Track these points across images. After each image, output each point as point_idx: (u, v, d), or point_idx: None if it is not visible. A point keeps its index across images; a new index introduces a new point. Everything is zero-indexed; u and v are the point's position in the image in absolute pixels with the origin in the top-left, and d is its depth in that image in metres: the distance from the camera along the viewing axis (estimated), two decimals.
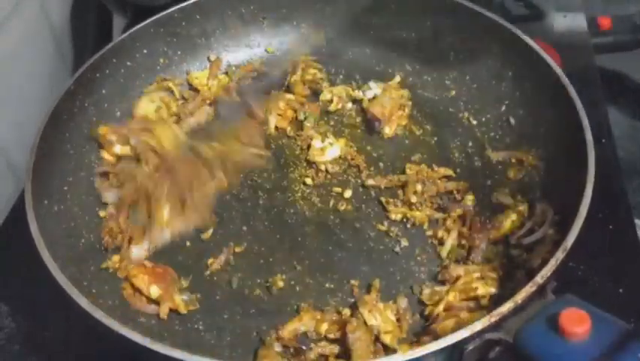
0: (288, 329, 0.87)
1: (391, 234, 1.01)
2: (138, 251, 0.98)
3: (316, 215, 1.05)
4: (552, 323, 0.70)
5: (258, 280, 0.97)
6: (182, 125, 1.16)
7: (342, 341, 0.86)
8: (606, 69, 1.36)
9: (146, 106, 1.15)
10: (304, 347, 0.86)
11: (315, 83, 1.21)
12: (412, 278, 0.96)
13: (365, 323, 0.87)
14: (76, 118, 1.09)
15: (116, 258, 0.97)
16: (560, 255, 0.79)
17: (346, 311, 0.90)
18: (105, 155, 1.10)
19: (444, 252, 0.97)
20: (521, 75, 1.09)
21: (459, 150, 1.10)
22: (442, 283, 0.94)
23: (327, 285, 0.96)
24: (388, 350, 0.86)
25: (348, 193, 1.06)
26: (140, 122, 1.10)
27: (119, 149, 1.10)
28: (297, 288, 0.96)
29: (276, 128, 1.18)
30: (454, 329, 0.78)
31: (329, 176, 1.10)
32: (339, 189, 1.07)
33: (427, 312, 0.90)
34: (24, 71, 1.25)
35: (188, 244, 1.02)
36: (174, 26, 1.21)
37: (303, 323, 0.88)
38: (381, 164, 1.09)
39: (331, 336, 0.88)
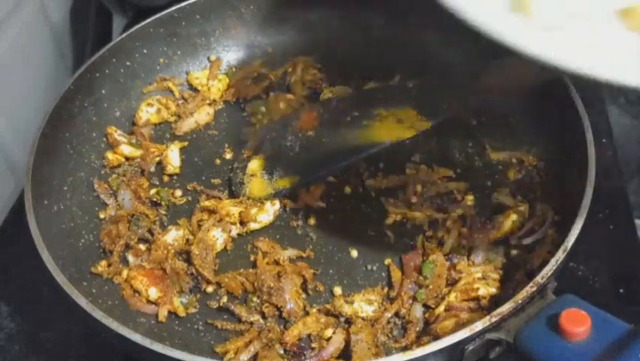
0: (293, 334, 0.87)
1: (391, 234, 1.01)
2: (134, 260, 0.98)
3: (316, 215, 1.05)
4: (552, 323, 0.70)
5: None
6: (182, 125, 1.16)
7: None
8: None
9: (146, 110, 1.16)
10: (305, 353, 0.86)
11: (315, 83, 1.21)
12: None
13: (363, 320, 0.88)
14: (76, 118, 1.09)
15: (104, 263, 0.97)
16: (560, 255, 0.79)
17: (346, 311, 0.90)
18: (110, 155, 1.10)
19: (444, 252, 0.97)
20: None
21: (459, 150, 1.10)
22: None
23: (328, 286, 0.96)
24: (388, 350, 0.86)
25: (347, 190, 1.06)
26: None
27: (127, 149, 1.10)
28: None
29: None
30: (454, 329, 0.78)
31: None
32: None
33: (426, 313, 0.90)
34: (24, 71, 1.25)
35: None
36: (174, 26, 1.21)
37: (307, 327, 0.88)
38: (381, 164, 1.09)
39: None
